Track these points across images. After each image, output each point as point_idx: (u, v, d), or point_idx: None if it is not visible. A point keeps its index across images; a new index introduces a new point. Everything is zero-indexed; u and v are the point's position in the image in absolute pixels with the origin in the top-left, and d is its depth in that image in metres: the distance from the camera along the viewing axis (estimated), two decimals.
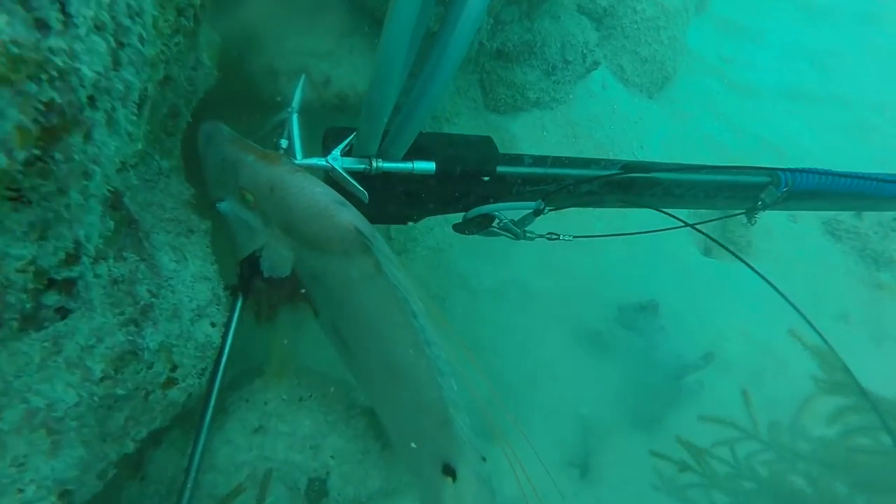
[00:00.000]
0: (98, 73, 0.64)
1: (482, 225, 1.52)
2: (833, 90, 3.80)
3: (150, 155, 1.31)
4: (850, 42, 4.08)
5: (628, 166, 1.67)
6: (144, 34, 0.77)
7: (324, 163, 1.34)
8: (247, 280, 1.38)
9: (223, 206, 1.38)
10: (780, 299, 1.45)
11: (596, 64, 3.11)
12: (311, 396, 1.57)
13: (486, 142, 1.52)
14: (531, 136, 3.20)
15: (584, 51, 2.99)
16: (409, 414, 1.23)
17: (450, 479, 1.14)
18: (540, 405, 2.57)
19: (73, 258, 0.79)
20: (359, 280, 1.17)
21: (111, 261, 0.89)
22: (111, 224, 0.91)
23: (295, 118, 1.48)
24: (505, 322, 2.62)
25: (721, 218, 1.96)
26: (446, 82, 1.20)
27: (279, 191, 1.23)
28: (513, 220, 1.52)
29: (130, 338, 0.90)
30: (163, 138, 1.34)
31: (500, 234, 1.56)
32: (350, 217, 1.16)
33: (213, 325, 1.29)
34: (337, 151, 1.35)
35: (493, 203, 1.48)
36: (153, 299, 0.97)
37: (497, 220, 1.51)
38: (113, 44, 0.66)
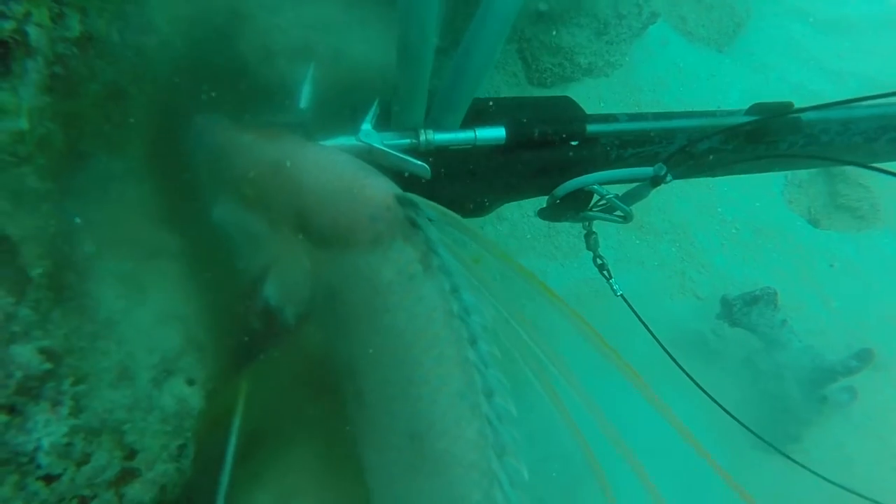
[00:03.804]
0: None
1: (577, 206, 1.10)
2: None
3: (90, 155, 0.95)
4: None
5: (762, 107, 1.23)
6: None
7: (354, 141, 0.97)
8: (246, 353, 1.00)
9: (217, 211, 1.02)
10: None
11: (655, 16, 2.63)
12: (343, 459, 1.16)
13: (564, 100, 1.16)
14: (586, 109, 2.77)
15: (640, 0, 2.52)
16: None
17: None
18: (634, 434, 2.10)
19: None
20: (391, 284, 0.77)
21: None
22: None
23: (307, 115, 1.12)
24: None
25: None
26: (509, 16, 0.89)
27: (287, 170, 0.88)
28: (617, 195, 1.10)
29: None
30: (107, 130, 0.97)
31: (601, 218, 1.14)
32: (386, 187, 0.81)
33: (190, 382, 0.90)
34: (366, 123, 0.99)
35: (590, 173, 1.07)
36: (51, 365, 0.59)
37: (596, 199, 1.10)
38: None
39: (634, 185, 1.21)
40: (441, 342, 0.75)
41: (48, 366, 0.59)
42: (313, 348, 1.05)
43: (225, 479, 0.96)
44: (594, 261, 1.42)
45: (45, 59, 0.74)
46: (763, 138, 1.32)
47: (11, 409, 0.54)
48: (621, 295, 1.49)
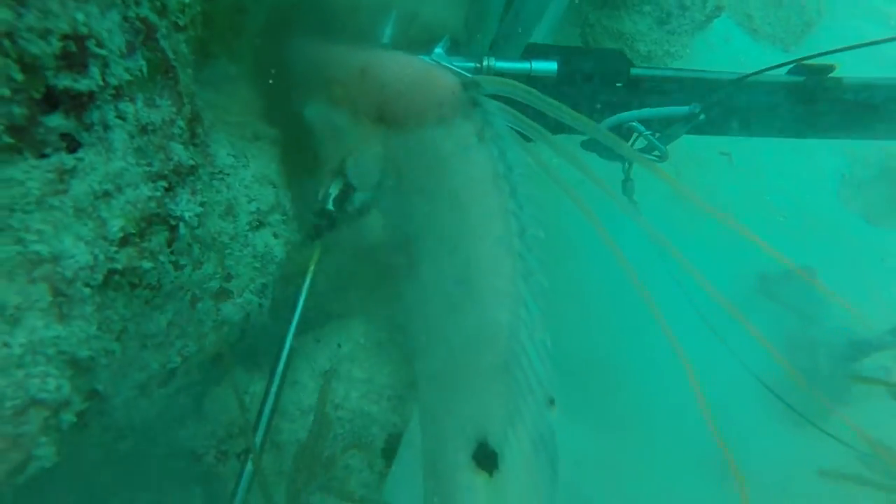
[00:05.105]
0: None
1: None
2: None
3: (215, 55, 1.18)
4: None
5: (805, 68, 1.34)
6: None
7: (427, 60, 1.19)
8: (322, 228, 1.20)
9: (310, 110, 1.24)
10: None
11: (719, 10, 2.70)
12: (393, 342, 1.36)
13: (616, 51, 1.36)
14: None
15: None
16: (460, 352, 0.91)
17: (484, 474, 0.81)
18: (661, 397, 2.17)
19: (78, 62, 0.63)
20: (451, 155, 0.92)
21: (140, 104, 0.74)
22: (142, 63, 0.76)
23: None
24: (617, 294, 2.27)
25: None
26: None
27: (371, 70, 1.06)
28: (654, 133, 1.25)
29: (158, 194, 0.73)
30: (229, 37, 1.21)
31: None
32: (455, 77, 0.94)
33: (275, 235, 1.11)
34: (439, 48, 1.20)
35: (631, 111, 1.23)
36: (193, 163, 0.80)
37: (634, 137, 1.25)
38: None
39: (671, 127, 1.35)
40: (487, 197, 0.90)
41: (192, 163, 0.80)
42: (371, 234, 1.25)
43: (292, 328, 1.16)
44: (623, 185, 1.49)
45: None
46: (803, 97, 1.43)
47: (168, 182, 0.76)
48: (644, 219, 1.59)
